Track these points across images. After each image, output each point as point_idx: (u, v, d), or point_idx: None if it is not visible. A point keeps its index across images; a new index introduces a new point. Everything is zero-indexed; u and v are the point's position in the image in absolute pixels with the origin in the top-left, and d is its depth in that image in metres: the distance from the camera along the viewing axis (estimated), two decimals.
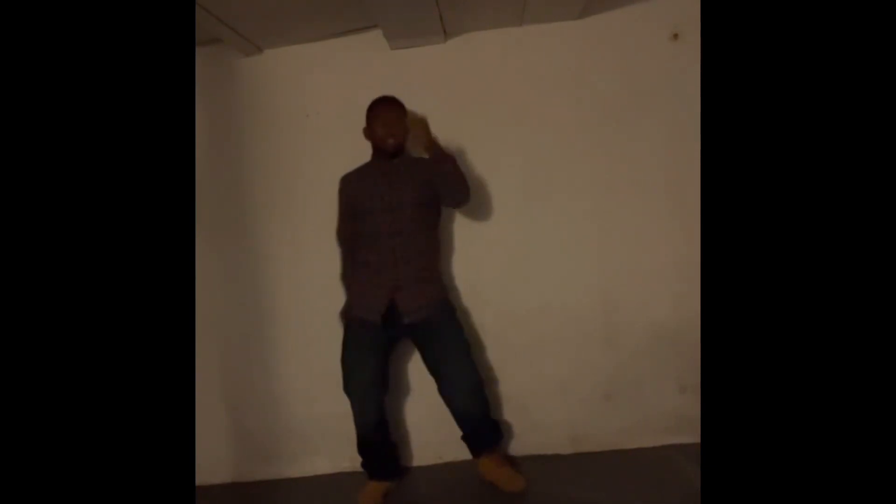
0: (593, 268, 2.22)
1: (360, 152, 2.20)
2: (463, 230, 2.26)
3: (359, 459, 2.10)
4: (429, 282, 1.98)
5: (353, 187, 2.02)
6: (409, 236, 1.93)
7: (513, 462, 2.14)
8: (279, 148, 2.28)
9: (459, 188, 1.93)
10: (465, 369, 1.97)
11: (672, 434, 2.19)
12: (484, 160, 2.21)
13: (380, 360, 2.01)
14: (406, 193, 1.93)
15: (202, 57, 2.16)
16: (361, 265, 1.98)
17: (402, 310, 1.91)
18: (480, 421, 2.03)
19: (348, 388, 2.01)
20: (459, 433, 2.08)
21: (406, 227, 1.92)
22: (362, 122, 2.21)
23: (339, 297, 2.24)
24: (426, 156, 1.92)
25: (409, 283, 1.92)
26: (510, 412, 2.25)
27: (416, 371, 2.26)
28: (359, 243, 1.99)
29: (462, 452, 2.15)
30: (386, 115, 1.96)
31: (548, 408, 2.23)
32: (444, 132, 2.22)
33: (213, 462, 2.28)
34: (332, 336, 2.25)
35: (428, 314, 1.93)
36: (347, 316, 2.03)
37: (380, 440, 2.07)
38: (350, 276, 2.06)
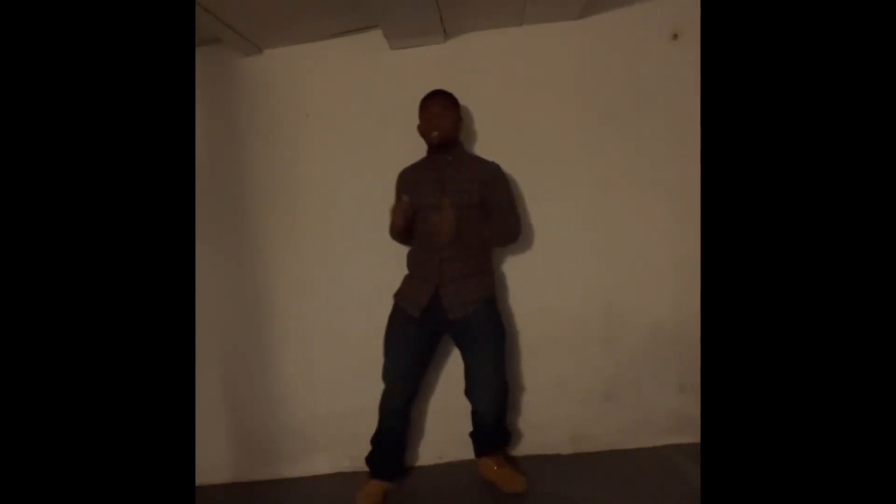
0: (593, 268, 2.22)
1: (360, 152, 2.20)
2: None
3: (359, 459, 2.09)
4: (473, 280, 1.94)
5: (408, 182, 2.01)
6: (457, 234, 1.87)
7: (513, 462, 2.14)
8: (279, 148, 2.28)
9: (510, 238, 2.02)
10: (491, 374, 1.96)
11: (672, 434, 2.19)
12: None
13: (418, 352, 2.00)
14: (460, 192, 1.91)
15: (202, 57, 2.16)
16: (414, 258, 2.00)
17: (444, 306, 1.90)
18: (494, 426, 2.04)
19: (385, 374, 2.00)
20: (460, 433, 2.09)
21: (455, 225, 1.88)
22: (362, 122, 2.22)
23: (338, 298, 2.25)
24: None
25: (453, 281, 1.91)
26: (510, 412, 2.25)
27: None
28: (416, 237, 2.00)
29: (462, 452, 2.15)
30: (431, 108, 1.96)
31: (548, 408, 2.24)
32: None
33: (213, 462, 2.27)
34: (333, 336, 2.26)
35: (469, 312, 1.92)
36: (396, 302, 2.01)
37: (396, 438, 2.06)
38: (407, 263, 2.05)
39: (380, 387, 2.02)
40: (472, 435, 2.07)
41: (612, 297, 2.22)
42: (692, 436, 2.15)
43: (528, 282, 2.23)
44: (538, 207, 2.22)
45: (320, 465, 2.30)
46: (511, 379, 2.14)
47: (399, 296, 2.01)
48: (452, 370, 2.23)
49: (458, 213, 1.86)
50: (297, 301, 2.29)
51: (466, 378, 2.01)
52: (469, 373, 1.99)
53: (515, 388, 2.22)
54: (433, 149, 1.99)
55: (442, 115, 1.95)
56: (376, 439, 2.05)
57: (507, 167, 2.21)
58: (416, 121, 2.03)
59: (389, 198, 2.04)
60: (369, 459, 2.06)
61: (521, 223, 2.03)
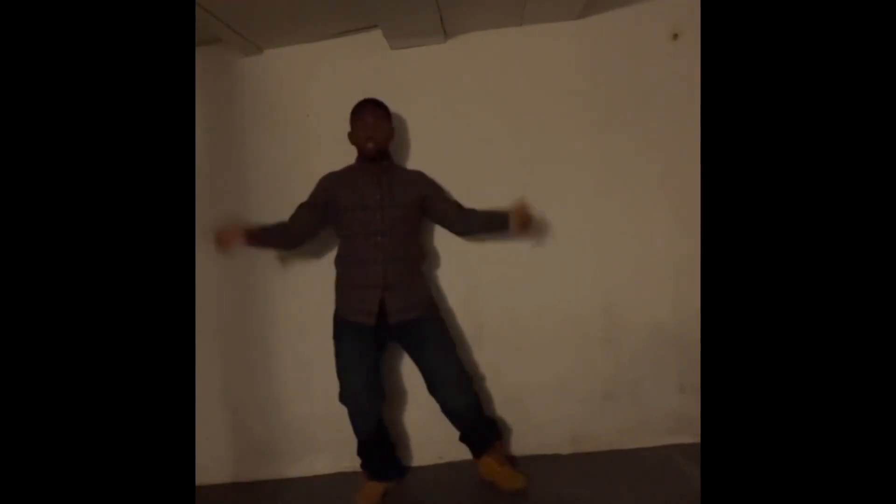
0: (593, 268, 2.22)
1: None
2: None
3: (359, 459, 2.10)
4: (415, 281, 2.00)
5: (338, 184, 2.00)
6: (400, 236, 1.95)
7: (513, 462, 2.14)
8: (279, 148, 2.28)
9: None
10: (451, 367, 1.97)
11: (672, 434, 2.18)
12: (483, 160, 2.21)
13: (373, 364, 2.00)
14: (399, 194, 1.95)
15: (202, 57, 2.16)
16: (351, 263, 1.97)
17: (389, 309, 1.91)
18: (474, 419, 2.03)
19: (345, 396, 1.99)
20: (459, 433, 2.08)
21: (397, 226, 1.94)
22: None
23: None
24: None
25: (397, 283, 1.93)
26: (510, 412, 2.25)
27: (416, 372, 2.26)
28: (346, 241, 2.00)
29: (462, 452, 2.15)
30: (366, 118, 1.96)
31: (548, 408, 2.23)
32: (445, 132, 2.23)
33: (213, 462, 2.27)
34: (332, 336, 2.25)
35: (415, 314, 1.94)
36: (342, 318, 2.00)
37: (379, 443, 2.07)
38: (338, 275, 2.03)
39: None
40: (462, 438, 2.06)
41: (612, 297, 2.22)
42: (692, 436, 2.15)
43: (527, 282, 2.23)
44: (538, 207, 2.21)
45: (320, 465, 2.30)
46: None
47: (343, 309, 1.98)
48: None
49: (404, 212, 1.95)
50: (297, 301, 2.29)
51: (426, 378, 2.00)
52: (427, 373, 1.99)
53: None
54: (365, 158, 1.99)
55: (376, 125, 1.96)
56: (360, 449, 2.06)
57: (506, 167, 2.21)
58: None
59: None
60: (362, 465, 2.08)
61: None
